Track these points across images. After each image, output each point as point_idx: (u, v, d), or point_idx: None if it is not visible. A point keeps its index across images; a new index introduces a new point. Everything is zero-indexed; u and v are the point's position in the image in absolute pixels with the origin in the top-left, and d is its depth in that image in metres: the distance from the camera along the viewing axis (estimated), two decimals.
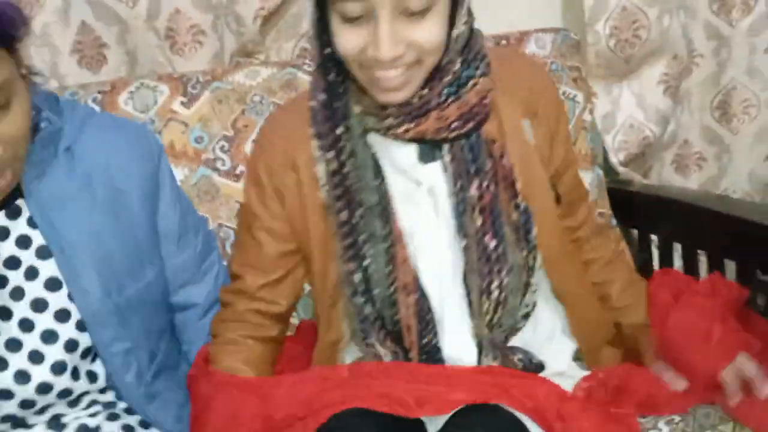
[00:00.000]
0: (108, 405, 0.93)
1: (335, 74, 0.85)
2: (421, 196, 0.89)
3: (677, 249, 1.35)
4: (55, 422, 0.89)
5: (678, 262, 1.35)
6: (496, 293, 0.87)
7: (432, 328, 0.88)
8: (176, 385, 0.96)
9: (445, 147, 0.86)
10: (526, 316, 0.92)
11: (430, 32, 0.78)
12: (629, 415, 0.87)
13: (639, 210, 1.46)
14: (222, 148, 1.27)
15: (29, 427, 0.88)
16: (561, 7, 1.55)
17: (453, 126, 0.85)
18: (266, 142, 0.96)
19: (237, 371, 0.91)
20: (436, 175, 0.88)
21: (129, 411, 0.93)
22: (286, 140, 0.92)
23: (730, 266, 1.23)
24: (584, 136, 1.46)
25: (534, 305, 0.93)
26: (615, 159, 1.53)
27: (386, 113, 0.84)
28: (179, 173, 1.25)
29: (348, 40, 0.79)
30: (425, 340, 0.88)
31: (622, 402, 0.88)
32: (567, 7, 1.55)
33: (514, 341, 0.93)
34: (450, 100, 0.84)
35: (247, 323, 0.96)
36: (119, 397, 0.93)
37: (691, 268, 1.31)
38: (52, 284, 0.87)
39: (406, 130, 0.84)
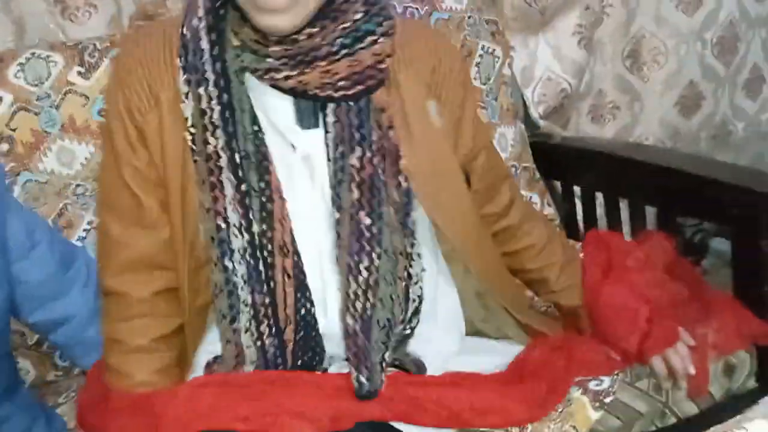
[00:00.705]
0: None
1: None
2: (295, 162, 0.81)
3: (599, 198, 1.37)
4: None
5: (600, 211, 1.38)
6: (365, 275, 0.80)
7: (309, 298, 0.81)
8: (21, 409, 0.93)
9: (330, 107, 0.79)
10: (412, 316, 0.85)
11: None
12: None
13: (561, 162, 1.47)
14: None
15: None
16: None
17: (340, 84, 0.77)
18: (124, 73, 0.82)
19: (150, 385, 0.82)
20: (314, 142, 0.81)
21: None
22: (149, 71, 0.80)
23: (651, 212, 1.27)
24: (504, 91, 1.45)
25: (418, 300, 0.85)
26: (535, 113, 1.53)
27: (267, 51, 0.75)
28: (84, 151, 1.16)
29: None
30: (303, 312, 0.81)
31: (560, 360, 0.89)
32: None
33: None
34: (342, 52, 0.76)
35: (154, 318, 0.84)
36: None
37: (612, 216, 1.34)
38: None
39: (287, 77, 0.76)
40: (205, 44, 0.77)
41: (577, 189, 1.44)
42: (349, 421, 0.77)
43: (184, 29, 0.79)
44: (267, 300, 0.80)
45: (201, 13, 0.78)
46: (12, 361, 0.97)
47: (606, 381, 0.92)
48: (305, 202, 0.82)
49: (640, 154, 1.33)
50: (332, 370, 0.86)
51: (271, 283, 0.80)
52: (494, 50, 1.44)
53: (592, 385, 0.92)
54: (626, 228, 1.32)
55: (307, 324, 0.82)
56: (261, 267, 0.80)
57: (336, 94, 0.77)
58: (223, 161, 0.78)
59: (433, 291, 0.89)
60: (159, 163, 0.81)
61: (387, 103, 0.81)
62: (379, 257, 0.80)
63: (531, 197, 1.42)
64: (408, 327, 0.86)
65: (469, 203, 0.90)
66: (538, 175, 1.45)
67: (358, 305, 0.80)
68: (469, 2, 1.41)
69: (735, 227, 1.09)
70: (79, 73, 1.17)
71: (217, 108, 0.77)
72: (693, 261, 1.46)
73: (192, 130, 0.79)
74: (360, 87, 0.78)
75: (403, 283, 0.83)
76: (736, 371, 1.01)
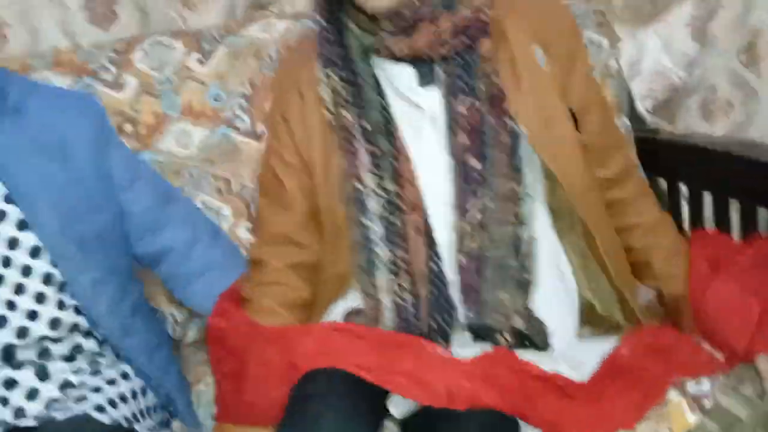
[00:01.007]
0: (93, 357, 0.97)
1: None
2: (421, 119, 0.90)
3: (707, 198, 1.32)
4: (42, 371, 0.93)
5: (708, 212, 1.33)
6: (477, 216, 0.86)
7: (438, 253, 0.88)
8: (152, 330, 1.04)
9: (441, 64, 0.88)
10: (527, 260, 0.88)
11: None
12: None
13: (668, 159, 1.43)
14: (240, 107, 1.24)
15: (19, 366, 0.93)
16: None
17: (445, 39, 0.86)
18: (276, 78, 1.05)
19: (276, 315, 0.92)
20: (435, 98, 0.89)
21: (111, 363, 0.98)
22: (293, 66, 0.99)
23: (762, 213, 1.21)
24: (610, 84, 1.42)
25: (531, 243, 0.89)
26: (642, 107, 1.49)
27: (380, 27, 0.86)
28: (199, 134, 1.23)
29: None
30: (434, 267, 0.87)
31: (657, 361, 0.87)
32: None
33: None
34: (443, 11, 0.85)
35: (284, 286, 0.95)
36: (100, 337, 0.98)
37: (721, 218, 1.29)
38: (21, 224, 0.93)
39: (401, 47, 0.86)
40: (330, 35, 0.89)
41: (684, 188, 1.39)
42: (465, 401, 0.79)
43: (316, 26, 0.91)
44: (405, 255, 0.87)
45: (321, 7, 0.90)
46: (143, 292, 1.07)
47: (706, 383, 0.89)
48: (431, 158, 0.89)
49: (755, 153, 1.26)
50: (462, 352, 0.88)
51: (407, 239, 0.87)
52: (600, 42, 1.40)
53: (691, 386, 0.89)
54: (736, 232, 1.27)
55: (439, 279, 0.88)
56: (397, 223, 0.87)
57: (443, 50, 0.86)
58: (357, 130, 0.89)
59: (550, 250, 0.92)
60: (304, 145, 0.93)
61: (491, 52, 0.88)
62: (489, 199, 0.87)
63: None
64: (525, 273, 0.88)
65: (580, 151, 0.92)
66: (642, 172, 1.41)
67: (471, 244, 0.86)
68: None
69: None
70: (198, 60, 1.24)
71: (346, 86, 0.89)
72: None
73: (330, 107, 0.91)
74: (464, 38, 0.86)
75: (512, 226, 0.88)
76: None
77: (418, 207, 0.88)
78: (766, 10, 1.57)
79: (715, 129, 1.61)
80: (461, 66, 0.88)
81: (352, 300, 0.94)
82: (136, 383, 0.99)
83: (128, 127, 1.23)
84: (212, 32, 1.27)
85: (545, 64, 0.90)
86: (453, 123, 0.88)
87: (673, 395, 0.89)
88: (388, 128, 0.89)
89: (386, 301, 0.88)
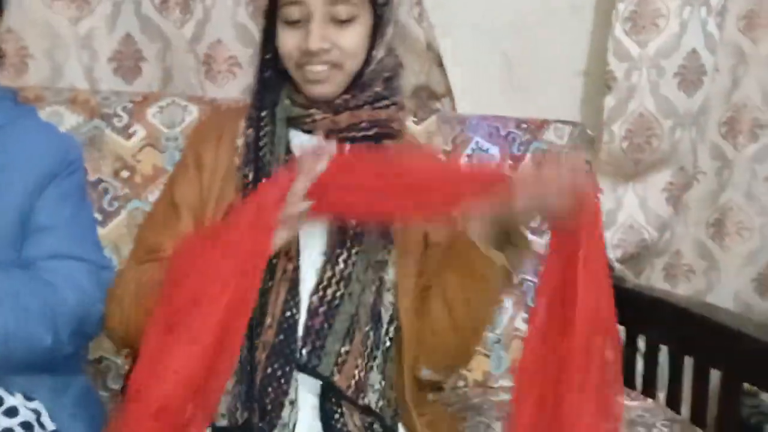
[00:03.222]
0: None
1: (272, 73, 0.98)
2: None
3: (663, 351, 1.37)
4: None
5: (664, 365, 1.37)
6: (341, 265, 0.91)
7: (297, 303, 0.90)
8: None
9: (350, 145, 0.95)
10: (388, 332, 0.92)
11: (350, 39, 0.93)
12: None
13: (630, 308, 1.47)
14: None
15: None
16: (581, 104, 1.62)
17: (363, 125, 0.95)
18: (201, 126, 1.08)
19: None
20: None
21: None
22: (219, 117, 1.07)
23: (715, 374, 1.25)
24: None
25: (394, 314, 0.93)
26: (612, 255, 1.56)
27: (312, 106, 0.96)
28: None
29: (288, 40, 0.94)
30: (288, 314, 0.90)
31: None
32: (587, 104, 1.62)
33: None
34: (366, 106, 0.96)
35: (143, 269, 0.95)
36: None
37: (674, 372, 1.33)
38: None
39: (324, 118, 0.95)
40: (262, 99, 0.98)
41: (641, 340, 1.44)
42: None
43: (251, 95, 1.00)
44: (260, 307, 0.89)
45: (259, 81, 0.99)
46: None
47: None
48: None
49: (714, 314, 1.32)
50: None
51: (269, 283, 0.90)
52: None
53: None
54: (687, 388, 1.31)
55: (289, 328, 0.89)
56: (265, 275, 0.88)
57: (359, 134, 0.95)
58: (255, 176, 0.93)
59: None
60: (206, 184, 0.97)
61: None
62: (356, 254, 0.92)
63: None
64: (385, 341, 0.93)
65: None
66: None
67: (329, 291, 0.91)
68: (568, 140, 1.49)
69: None
70: None
71: (261, 140, 0.95)
72: None
73: (240, 154, 0.96)
74: (377, 130, 0.96)
75: (375, 287, 0.93)
76: None
77: (294, 256, 0.91)
78: (740, 192, 1.69)
79: (676, 291, 1.69)
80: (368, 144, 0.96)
81: None
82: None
83: (125, 174, 1.26)
84: (227, 103, 1.33)
85: None
86: None
87: None
88: None
89: None
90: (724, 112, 1.66)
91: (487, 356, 1.35)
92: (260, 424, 0.86)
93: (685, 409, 1.32)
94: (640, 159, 1.57)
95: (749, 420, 1.57)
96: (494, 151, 1.42)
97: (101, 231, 1.17)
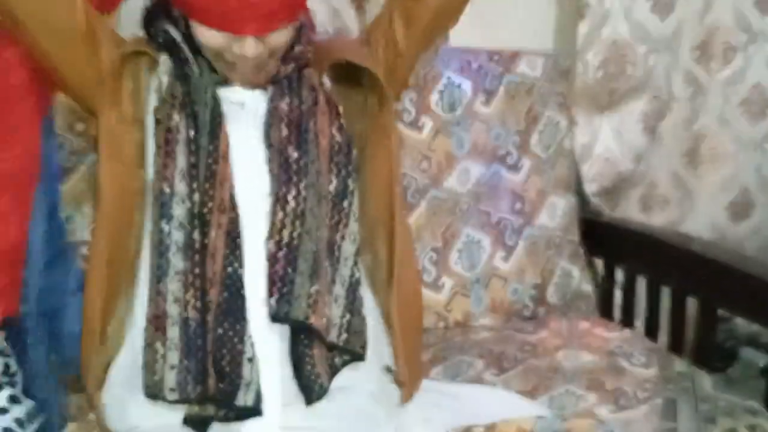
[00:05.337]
0: None
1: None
2: (243, 115, 0.91)
3: (641, 282, 1.37)
4: None
5: (641, 296, 1.37)
6: (292, 204, 0.86)
7: (238, 256, 0.85)
8: None
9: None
10: (336, 266, 0.89)
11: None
12: None
13: (607, 241, 1.48)
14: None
15: None
16: (554, 32, 1.57)
17: (281, 71, 0.92)
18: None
19: None
20: (258, 97, 0.92)
21: None
22: (141, 45, 0.93)
23: (691, 302, 1.26)
24: (562, 163, 1.48)
25: (356, 245, 0.90)
26: (588, 189, 1.55)
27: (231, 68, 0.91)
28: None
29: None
30: (230, 269, 0.85)
31: None
32: (560, 32, 1.57)
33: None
34: (281, 65, 0.92)
35: None
36: None
37: (652, 302, 1.34)
38: None
39: (243, 81, 0.91)
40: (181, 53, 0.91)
41: (619, 271, 1.44)
42: None
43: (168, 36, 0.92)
44: (197, 268, 0.84)
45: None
46: None
47: None
48: (250, 152, 0.89)
49: (688, 244, 1.33)
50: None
51: (205, 240, 0.85)
52: (558, 121, 1.47)
53: None
54: (665, 316, 1.32)
55: (233, 284, 0.85)
56: (198, 233, 0.85)
57: (280, 76, 0.91)
58: (181, 134, 0.87)
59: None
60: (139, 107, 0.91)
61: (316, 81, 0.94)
62: (306, 189, 0.87)
63: (571, 270, 1.43)
64: (336, 275, 0.89)
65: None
66: (581, 250, 1.46)
67: (285, 233, 0.86)
68: (542, 72, 1.46)
69: None
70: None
71: (186, 81, 0.89)
72: (719, 366, 1.44)
73: (160, 103, 0.89)
74: (294, 64, 0.92)
75: (331, 221, 0.89)
76: None
77: (229, 207, 0.86)
78: (713, 118, 1.67)
79: (651, 221, 1.69)
80: (289, 78, 0.92)
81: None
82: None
83: (80, 127, 1.19)
84: None
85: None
86: (271, 116, 0.90)
87: None
88: (214, 130, 0.88)
89: (173, 313, 0.85)
90: (696, 36, 1.63)
91: (467, 296, 1.35)
92: (221, 385, 0.83)
93: (663, 337, 1.33)
94: (615, 88, 1.54)
95: (724, 344, 1.60)
96: (466, 86, 1.39)
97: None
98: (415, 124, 1.35)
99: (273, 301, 0.85)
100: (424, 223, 1.33)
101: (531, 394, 1.07)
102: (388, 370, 0.93)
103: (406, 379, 0.91)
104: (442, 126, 1.36)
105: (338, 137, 0.91)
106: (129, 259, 0.90)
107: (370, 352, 0.91)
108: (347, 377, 0.90)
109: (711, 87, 1.65)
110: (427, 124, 1.36)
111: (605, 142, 1.56)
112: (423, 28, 0.98)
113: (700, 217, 1.72)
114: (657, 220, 1.69)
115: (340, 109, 0.93)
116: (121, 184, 0.90)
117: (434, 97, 1.37)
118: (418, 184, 1.34)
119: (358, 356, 0.90)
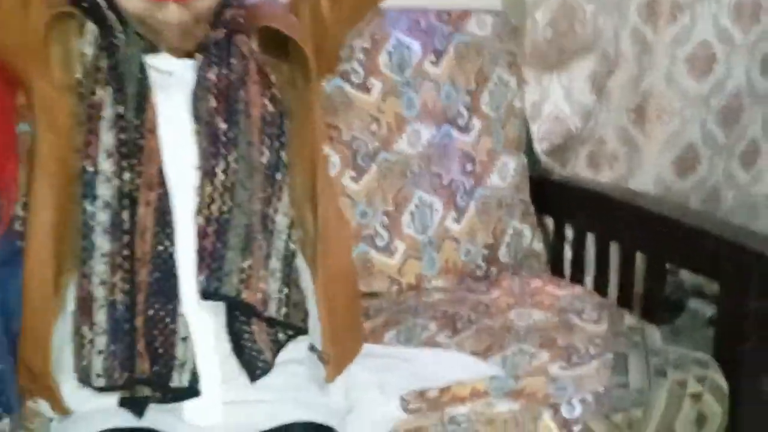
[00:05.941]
0: None
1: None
2: (170, 85, 0.87)
3: (590, 239, 1.39)
4: None
5: (591, 252, 1.40)
6: (221, 177, 0.83)
7: (169, 234, 0.82)
8: None
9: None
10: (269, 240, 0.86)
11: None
12: None
13: (557, 199, 1.49)
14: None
15: None
16: None
17: (210, 37, 0.88)
18: None
19: None
20: (187, 65, 0.88)
21: None
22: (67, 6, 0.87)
23: (640, 257, 1.28)
24: (512, 122, 1.48)
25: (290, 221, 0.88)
26: (538, 148, 1.55)
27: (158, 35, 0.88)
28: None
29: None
30: (160, 248, 0.82)
31: None
32: None
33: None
34: (210, 30, 0.89)
35: None
36: None
37: (602, 258, 1.36)
38: None
39: (169, 47, 0.87)
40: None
41: (569, 228, 1.46)
42: None
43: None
44: (125, 250, 0.82)
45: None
46: None
47: (578, 408, 0.92)
48: (178, 124, 0.85)
49: (636, 200, 1.35)
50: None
51: (134, 219, 0.82)
52: (508, 81, 1.47)
53: (564, 410, 0.92)
54: (614, 272, 1.34)
55: (164, 263, 0.82)
56: (125, 212, 0.82)
57: (209, 42, 0.88)
58: (107, 112, 0.83)
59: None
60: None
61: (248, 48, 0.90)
62: (236, 161, 0.84)
63: (522, 230, 1.44)
64: (269, 249, 0.86)
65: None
66: (532, 209, 1.47)
67: (214, 208, 0.83)
68: (492, 31, 1.44)
69: (724, 283, 1.11)
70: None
71: (106, 56, 0.85)
72: (668, 318, 1.48)
73: (85, 76, 0.85)
74: (225, 31, 0.89)
75: (264, 194, 0.86)
76: (707, 423, 1.02)
77: (157, 184, 0.83)
78: (660, 77, 1.69)
79: (600, 178, 1.71)
80: (218, 46, 0.88)
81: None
82: None
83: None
84: None
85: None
86: (199, 88, 0.86)
87: (545, 416, 0.91)
88: (141, 103, 0.84)
89: (99, 296, 0.82)
90: None
91: (419, 259, 1.35)
92: (155, 368, 0.81)
93: (612, 292, 1.36)
94: (564, 47, 1.53)
95: (671, 297, 1.65)
96: (416, 46, 1.37)
97: None
98: (363, 86, 1.33)
99: (203, 277, 0.82)
100: (375, 186, 1.32)
101: (484, 354, 1.09)
102: (312, 348, 0.91)
103: (330, 358, 0.90)
104: (392, 87, 1.34)
105: (270, 107, 0.88)
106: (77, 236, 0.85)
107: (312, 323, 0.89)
108: (290, 349, 0.88)
109: (657, 46, 1.66)
110: (376, 85, 1.33)
111: (555, 100, 1.57)
112: (350, 4, 0.95)
113: (647, 173, 1.75)
114: (605, 176, 1.72)
115: (273, 78, 0.89)
116: (59, 157, 0.85)
117: (383, 58, 1.34)
118: (368, 147, 1.32)
119: (300, 330, 0.88)
